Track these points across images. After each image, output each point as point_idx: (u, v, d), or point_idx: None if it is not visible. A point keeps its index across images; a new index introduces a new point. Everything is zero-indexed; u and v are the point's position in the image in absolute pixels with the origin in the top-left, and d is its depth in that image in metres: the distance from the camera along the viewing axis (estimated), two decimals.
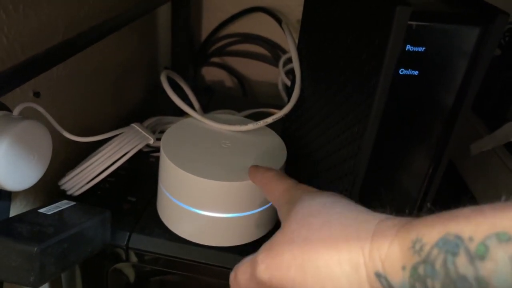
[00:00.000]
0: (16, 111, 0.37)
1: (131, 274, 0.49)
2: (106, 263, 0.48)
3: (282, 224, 0.30)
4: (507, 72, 0.58)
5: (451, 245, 0.19)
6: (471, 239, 0.19)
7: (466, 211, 0.20)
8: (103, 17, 0.50)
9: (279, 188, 0.34)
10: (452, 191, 0.59)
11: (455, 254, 0.19)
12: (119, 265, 0.47)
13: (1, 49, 0.40)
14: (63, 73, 0.51)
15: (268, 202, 0.45)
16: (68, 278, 0.51)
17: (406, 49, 0.29)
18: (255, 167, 0.40)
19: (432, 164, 0.35)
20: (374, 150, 0.33)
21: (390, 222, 0.24)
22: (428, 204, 0.36)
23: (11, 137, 0.34)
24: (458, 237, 0.19)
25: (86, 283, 0.50)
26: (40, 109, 0.40)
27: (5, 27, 0.40)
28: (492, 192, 0.54)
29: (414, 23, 0.28)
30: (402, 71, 0.30)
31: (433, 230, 0.20)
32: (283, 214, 0.31)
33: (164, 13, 0.79)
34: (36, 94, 0.46)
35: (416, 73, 0.30)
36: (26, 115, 0.39)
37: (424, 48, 0.30)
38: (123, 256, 0.46)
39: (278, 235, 0.29)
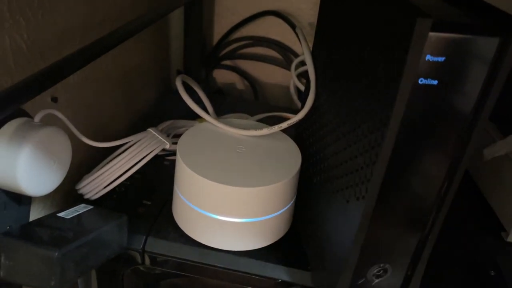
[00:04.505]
0: (37, 118, 0.38)
1: (146, 277, 0.49)
2: (122, 266, 0.48)
3: None
4: None
5: None
6: None
7: None
8: (118, 23, 0.51)
9: None
10: (465, 196, 0.59)
11: None
12: (134, 268, 0.48)
13: (21, 55, 0.41)
14: (79, 78, 0.51)
15: (283, 207, 0.45)
16: (84, 281, 0.51)
17: (426, 59, 0.30)
18: None
19: (448, 172, 0.35)
20: (390, 157, 0.33)
21: None
22: None
23: (33, 144, 0.35)
24: None
25: (102, 286, 0.50)
26: (61, 115, 0.41)
27: (25, 33, 0.41)
28: (506, 197, 0.54)
29: (434, 33, 0.29)
30: (421, 81, 0.30)
31: None
32: None
33: (176, 16, 0.80)
34: (54, 99, 0.46)
35: (435, 82, 0.31)
36: (45, 120, 0.40)
37: (444, 58, 0.30)
38: (139, 260, 0.47)
39: None
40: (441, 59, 0.30)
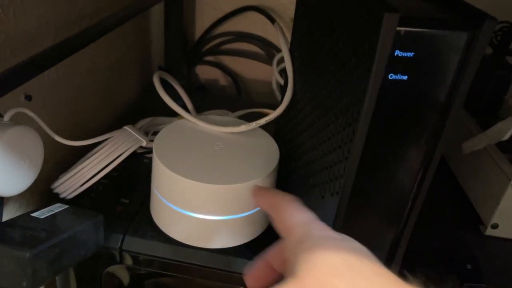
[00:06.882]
0: (6, 117, 0.37)
1: (125, 277, 0.49)
2: (100, 266, 0.48)
3: (293, 271, 0.24)
4: (499, 71, 0.59)
5: None
6: None
7: None
8: (95, 19, 0.50)
9: (293, 220, 0.29)
10: (444, 189, 0.60)
11: None
12: (113, 268, 0.47)
13: None
14: (54, 76, 0.50)
15: None
16: (63, 280, 0.51)
17: (395, 55, 0.29)
18: (263, 189, 0.40)
19: (422, 166, 0.35)
20: (364, 152, 0.33)
21: None
22: None
23: (1, 144, 0.34)
24: None
25: (80, 286, 0.50)
26: (32, 114, 0.40)
27: None
28: (484, 191, 0.54)
29: (402, 29, 0.28)
30: (391, 76, 0.30)
31: None
32: (293, 255, 0.26)
33: (157, 12, 0.79)
34: (28, 98, 0.45)
35: (405, 78, 0.31)
36: (17, 119, 0.39)
37: (413, 53, 0.30)
38: (117, 259, 0.46)
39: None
40: (410, 54, 0.30)
